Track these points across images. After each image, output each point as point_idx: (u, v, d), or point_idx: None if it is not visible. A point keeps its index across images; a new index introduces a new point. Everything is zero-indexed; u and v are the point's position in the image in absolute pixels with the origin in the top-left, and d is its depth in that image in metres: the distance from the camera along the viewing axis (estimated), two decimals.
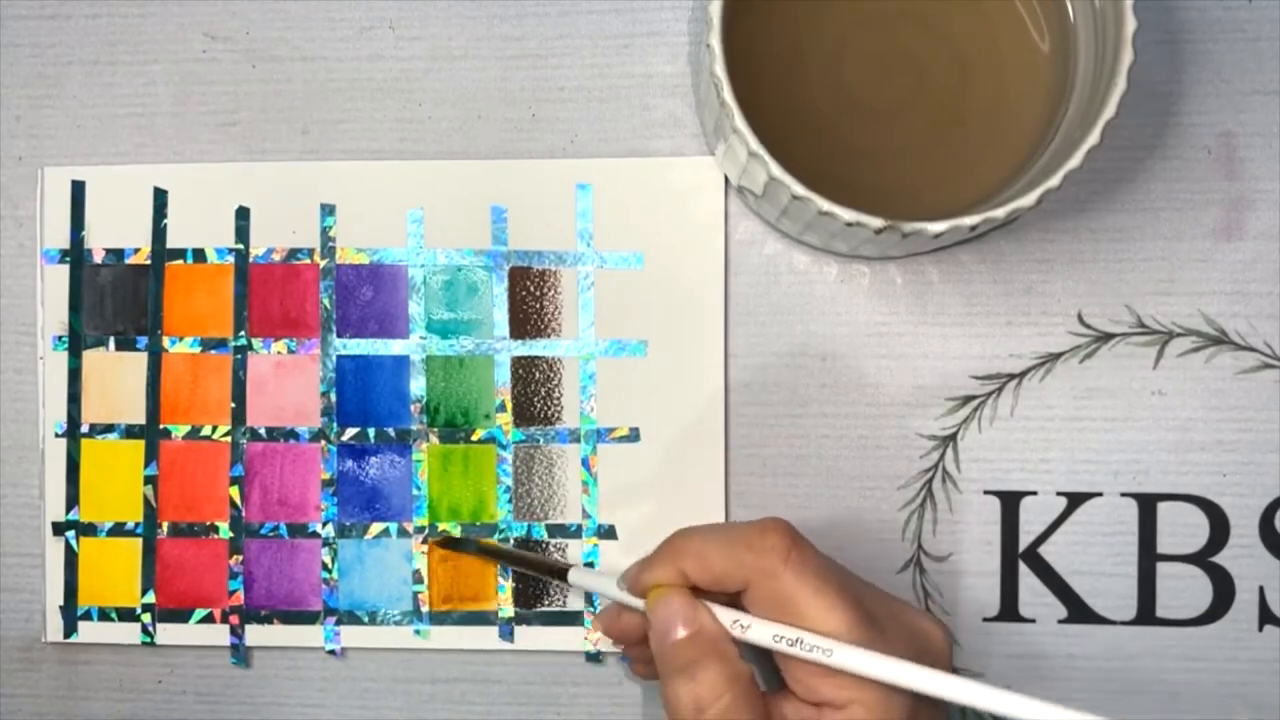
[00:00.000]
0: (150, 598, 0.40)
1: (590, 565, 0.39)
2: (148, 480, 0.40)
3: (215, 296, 0.40)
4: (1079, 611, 0.39)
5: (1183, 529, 0.39)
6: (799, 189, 0.32)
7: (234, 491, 0.40)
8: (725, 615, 0.32)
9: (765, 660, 0.34)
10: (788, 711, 0.32)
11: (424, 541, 0.39)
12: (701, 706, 0.30)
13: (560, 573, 0.37)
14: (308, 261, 0.40)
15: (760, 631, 0.31)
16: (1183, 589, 0.39)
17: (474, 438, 0.40)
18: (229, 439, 0.40)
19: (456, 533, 0.39)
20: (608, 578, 0.35)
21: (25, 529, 0.41)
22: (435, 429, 0.40)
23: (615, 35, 0.39)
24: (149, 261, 0.40)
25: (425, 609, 0.40)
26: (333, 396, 0.40)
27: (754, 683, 0.31)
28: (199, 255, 0.40)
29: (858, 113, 0.35)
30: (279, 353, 0.40)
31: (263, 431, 0.40)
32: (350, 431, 0.40)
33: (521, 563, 0.39)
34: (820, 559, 0.32)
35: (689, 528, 0.33)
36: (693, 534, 0.33)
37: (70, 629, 0.40)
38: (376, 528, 0.40)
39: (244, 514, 0.40)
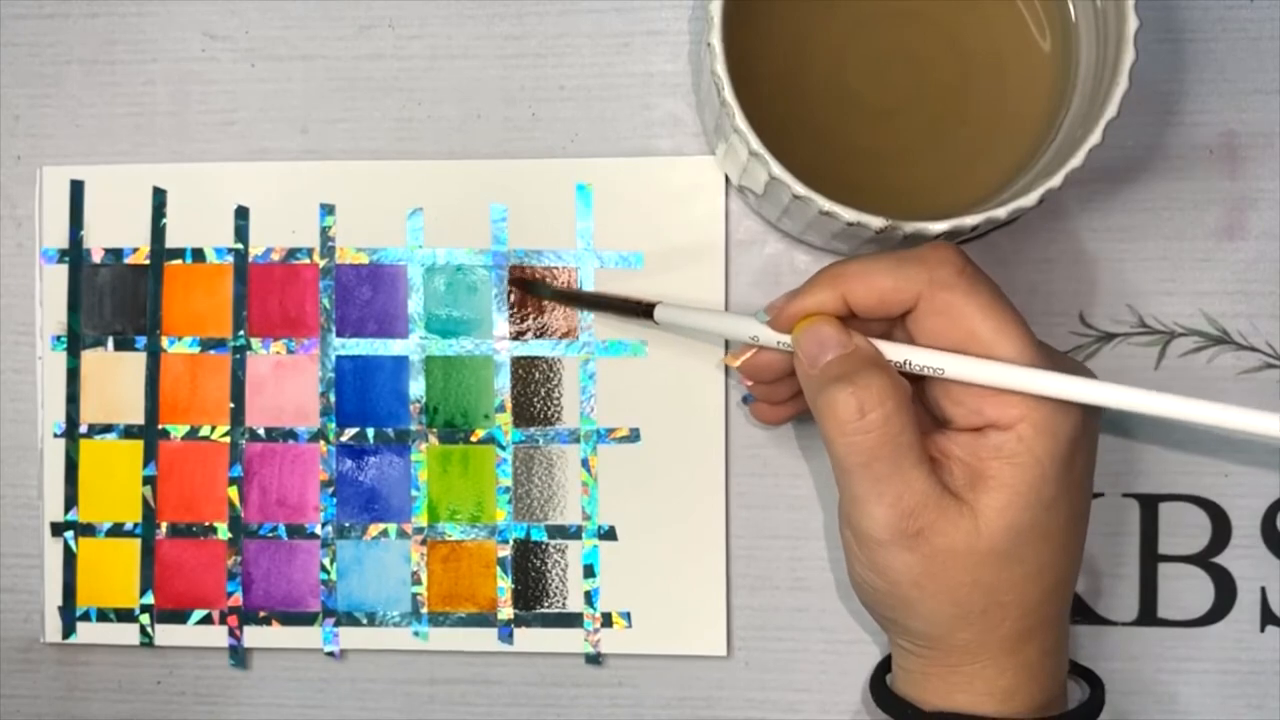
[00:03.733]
0: (149, 598, 0.40)
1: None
2: (146, 481, 0.40)
3: (214, 296, 0.40)
4: (1080, 612, 0.39)
5: (1184, 529, 0.39)
6: (800, 188, 0.32)
7: (233, 492, 0.40)
8: (883, 348, 0.31)
9: (914, 399, 0.32)
10: (942, 443, 0.31)
11: (508, 279, 0.39)
12: (864, 410, 0.29)
13: (645, 310, 0.36)
14: (307, 261, 0.40)
15: (923, 360, 0.30)
16: (1184, 590, 0.39)
17: (473, 438, 0.39)
18: (228, 439, 0.40)
19: (458, 527, 0.39)
20: (705, 311, 0.34)
21: (24, 529, 0.41)
22: (435, 429, 0.40)
23: (615, 34, 0.39)
24: (148, 261, 0.40)
25: (424, 610, 0.39)
26: (332, 397, 0.40)
27: (911, 401, 0.30)
28: (198, 255, 0.40)
29: (859, 112, 0.35)
30: (278, 353, 0.40)
31: (262, 432, 0.40)
32: (349, 432, 0.40)
33: (600, 304, 0.38)
34: (992, 282, 0.31)
35: (842, 259, 0.32)
36: (850, 259, 0.31)
37: (69, 630, 0.40)
38: (375, 529, 0.40)
39: (243, 514, 0.40)
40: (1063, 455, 0.30)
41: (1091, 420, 0.31)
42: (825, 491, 0.39)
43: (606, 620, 0.39)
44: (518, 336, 0.39)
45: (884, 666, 0.36)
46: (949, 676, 0.32)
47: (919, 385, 0.32)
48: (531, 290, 0.39)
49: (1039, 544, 0.30)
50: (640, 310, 0.36)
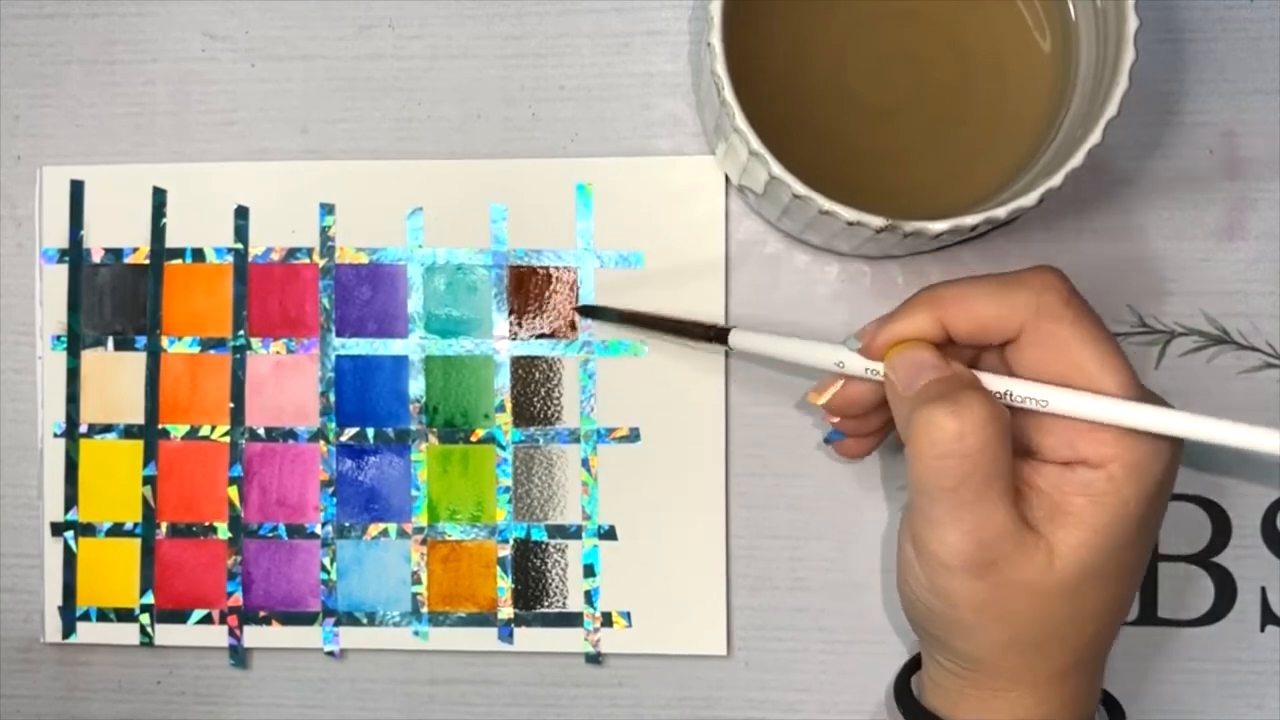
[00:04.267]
0: (149, 598, 0.40)
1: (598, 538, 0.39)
2: (146, 480, 0.40)
3: (214, 296, 0.40)
4: None
5: (1184, 529, 0.39)
6: (800, 188, 0.32)
7: (233, 492, 0.40)
8: (983, 379, 0.30)
9: None
10: (1027, 474, 0.30)
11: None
12: (964, 434, 0.28)
13: (719, 335, 0.34)
14: (307, 261, 0.40)
15: (1027, 392, 0.29)
16: (1184, 589, 0.39)
17: (473, 438, 0.39)
18: (228, 439, 0.40)
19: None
20: (781, 337, 0.32)
21: (24, 529, 0.41)
22: (434, 429, 0.40)
23: (615, 34, 0.39)
24: (148, 261, 0.40)
25: (424, 610, 0.39)
26: (332, 396, 0.40)
27: (1010, 430, 0.29)
28: (198, 255, 0.40)
29: (859, 112, 0.35)
30: (278, 353, 0.40)
31: (261, 432, 0.40)
32: (349, 432, 0.40)
33: (670, 327, 0.37)
34: (1095, 312, 0.30)
35: (938, 282, 0.31)
36: (948, 282, 0.30)
37: (69, 630, 0.40)
38: (375, 528, 0.40)
39: (243, 514, 0.40)
40: (1148, 497, 0.29)
41: (1176, 463, 0.30)
42: (825, 491, 0.39)
43: (606, 620, 0.39)
44: (516, 336, 0.39)
45: (907, 669, 0.36)
46: (987, 700, 0.31)
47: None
48: (597, 316, 0.38)
49: (1107, 582, 0.30)
50: (713, 335, 0.35)
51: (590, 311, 0.39)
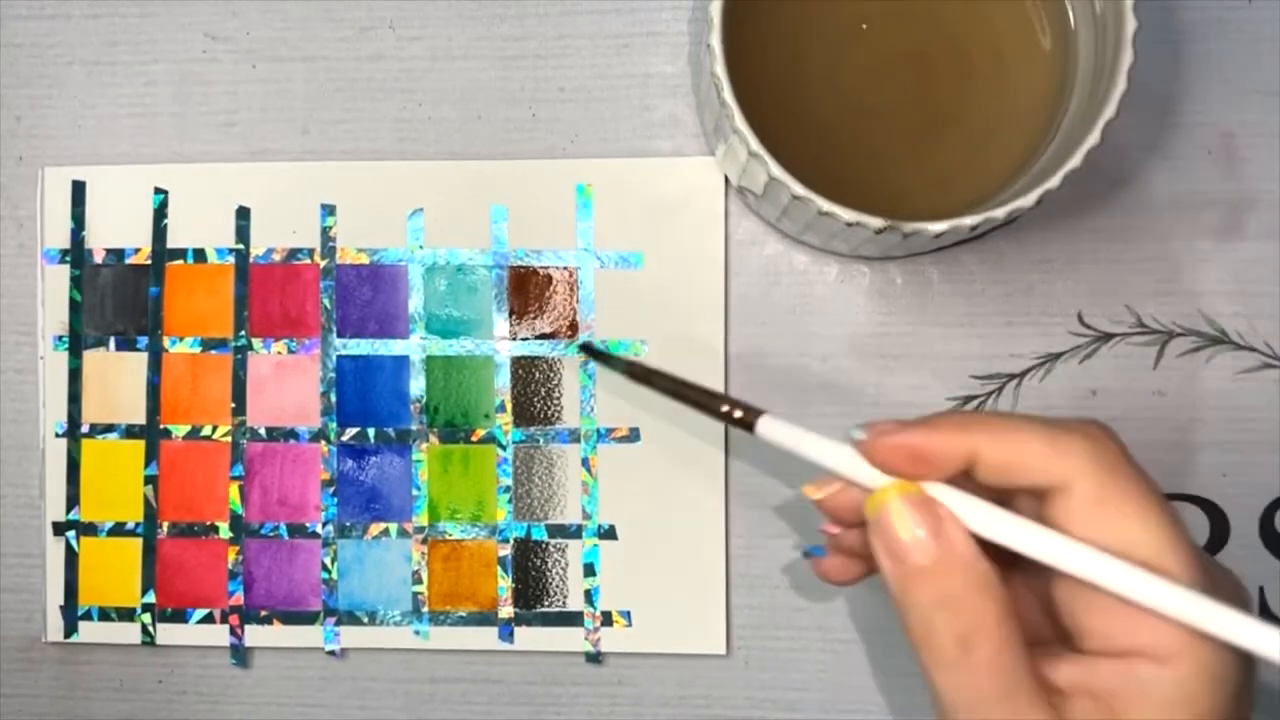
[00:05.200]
0: (150, 598, 0.40)
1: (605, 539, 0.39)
2: (148, 480, 0.40)
3: (215, 296, 0.40)
4: None
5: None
6: (799, 189, 0.32)
7: (234, 491, 0.40)
8: (1021, 532, 0.24)
9: (1023, 596, 0.27)
10: (1068, 672, 0.25)
11: (571, 348, 0.37)
12: (969, 645, 0.24)
13: (742, 420, 0.28)
14: (308, 261, 0.40)
15: (1070, 560, 0.23)
16: None
17: (474, 438, 0.40)
18: (229, 439, 0.40)
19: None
20: (818, 438, 0.27)
21: (25, 529, 0.41)
22: (435, 429, 0.40)
23: (615, 35, 0.39)
24: (149, 261, 0.40)
25: (425, 609, 0.40)
26: (333, 396, 0.40)
27: (1017, 619, 0.25)
28: (199, 255, 0.40)
29: (858, 112, 0.35)
30: (279, 353, 0.40)
31: (263, 431, 0.40)
32: (350, 432, 0.40)
33: (681, 395, 0.31)
34: (1150, 477, 0.25)
35: (976, 411, 0.26)
36: (989, 412, 0.26)
37: (70, 629, 0.40)
38: (376, 528, 0.40)
39: (244, 514, 0.40)
40: (1227, 704, 0.23)
41: (1255, 668, 0.25)
42: None
43: (606, 619, 0.39)
44: (518, 336, 0.39)
45: None
46: None
47: (1038, 580, 0.26)
48: (603, 361, 0.37)
49: None
50: (732, 417, 0.29)
51: (596, 354, 0.37)
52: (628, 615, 0.39)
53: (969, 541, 0.25)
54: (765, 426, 0.28)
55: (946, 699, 0.25)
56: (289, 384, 0.40)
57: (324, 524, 0.40)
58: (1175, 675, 0.23)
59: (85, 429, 0.40)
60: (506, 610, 0.39)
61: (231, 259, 0.40)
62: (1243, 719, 0.25)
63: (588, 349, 0.38)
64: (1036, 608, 0.26)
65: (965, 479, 0.25)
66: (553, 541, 0.39)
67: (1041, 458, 0.24)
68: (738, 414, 0.29)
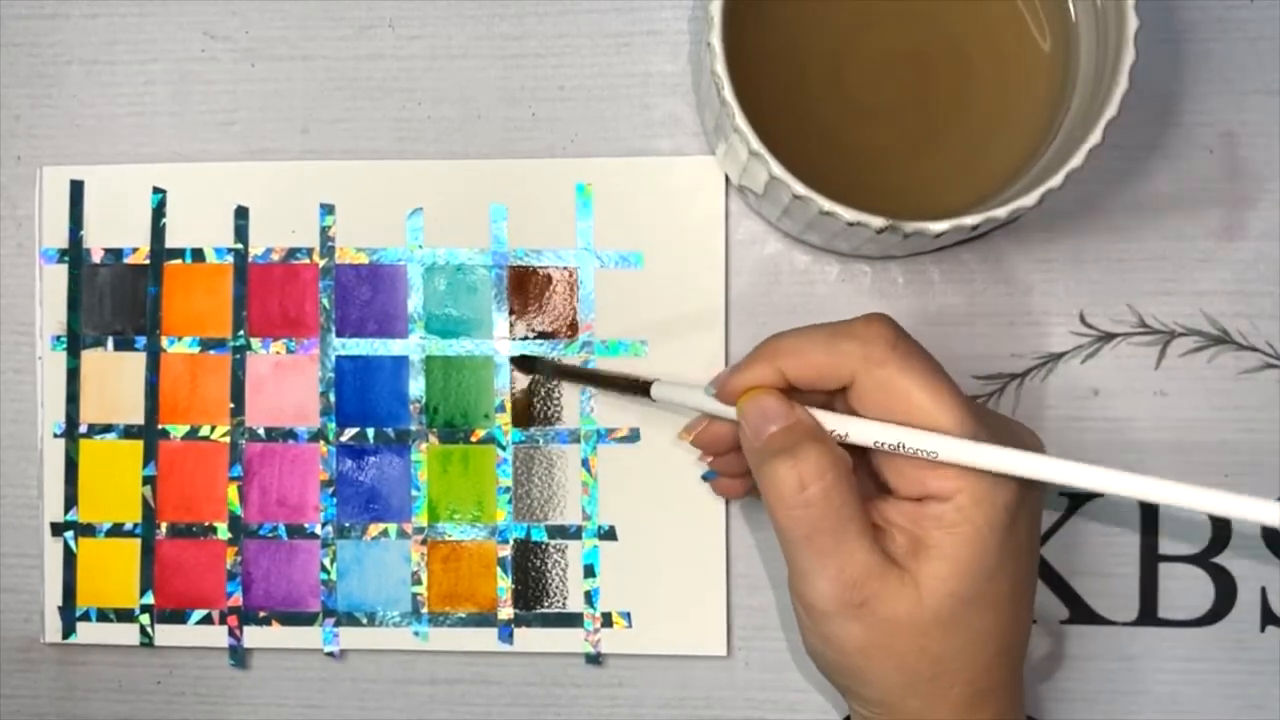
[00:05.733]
0: (149, 599, 0.40)
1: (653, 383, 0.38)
2: (146, 480, 0.40)
3: (214, 296, 0.40)
4: (1081, 612, 0.39)
5: (1185, 529, 0.39)
6: (800, 188, 0.32)
7: (233, 492, 0.40)
8: (823, 419, 0.31)
9: (858, 466, 0.33)
10: (885, 511, 0.31)
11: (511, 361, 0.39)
12: (804, 483, 0.30)
13: (643, 388, 0.36)
14: (307, 261, 0.40)
15: (862, 433, 0.30)
16: (1184, 590, 0.39)
17: (473, 438, 0.39)
18: (228, 439, 0.40)
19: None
20: (694, 388, 0.34)
21: (24, 529, 0.41)
22: (435, 429, 0.40)
23: (615, 34, 0.39)
24: (148, 261, 0.40)
25: (424, 610, 0.39)
26: (332, 397, 0.40)
27: (852, 473, 0.31)
28: (198, 255, 0.40)
29: (859, 112, 0.35)
30: (278, 353, 0.40)
31: (261, 432, 0.40)
32: (349, 432, 0.40)
33: (600, 382, 0.38)
34: (926, 353, 0.31)
35: (782, 331, 0.32)
36: (788, 333, 0.32)
37: (69, 630, 0.40)
38: (375, 528, 0.40)
39: (243, 514, 0.40)
40: (1003, 524, 0.30)
41: (1033, 487, 0.31)
42: None
43: (606, 620, 0.39)
44: (518, 337, 0.39)
45: None
46: None
47: (864, 454, 0.32)
48: (532, 369, 0.39)
49: (982, 611, 0.30)
50: (637, 388, 0.36)
51: (526, 364, 0.39)
52: (628, 616, 0.39)
53: (808, 413, 0.31)
54: (657, 390, 0.36)
55: (787, 533, 0.31)
56: (288, 384, 0.40)
57: (323, 524, 0.40)
58: (956, 504, 0.30)
59: (83, 429, 0.40)
60: (506, 611, 0.39)
61: (230, 259, 0.40)
62: (1026, 533, 0.31)
63: (518, 361, 0.39)
64: (866, 474, 0.32)
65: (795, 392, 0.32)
66: (553, 542, 0.39)
67: (829, 368, 0.31)
68: (641, 384, 0.36)
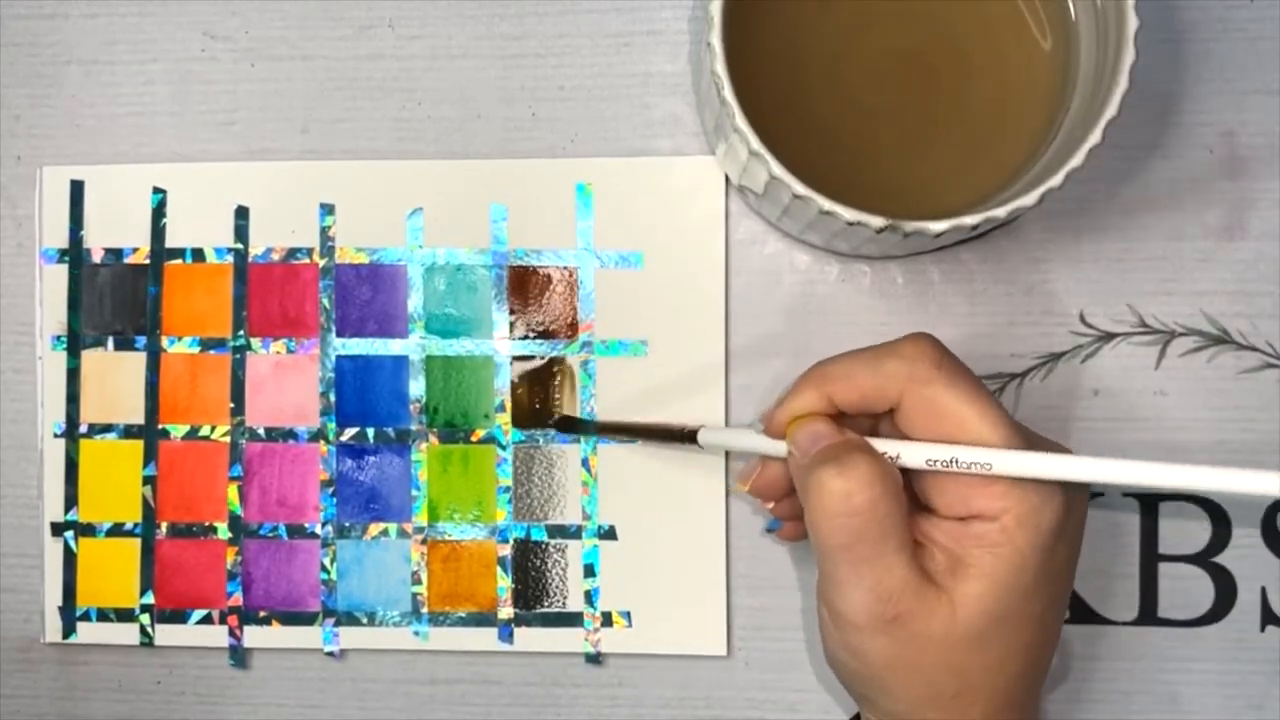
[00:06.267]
0: (149, 598, 0.40)
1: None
2: (146, 480, 0.40)
3: (214, 296, 0.40)
4: (1081, 612, 0.39)
5: (1184, 529, 0.39)
6: (800, 188, 0.32)
7: (233, 492, 0.40)
8: (874, 444, 0.31)
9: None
10: (926, 529, 0.31)
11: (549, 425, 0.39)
12: (850, 494, 0.29)
13: (689, 436, 0.36)
14: (307, 261, 0.40)
15: (913, 454, 0.30)
16: (1184, 589, 0.39)
17: (474, 438, 0.39)
18: (228, 439, 0.40)
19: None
20: (741, 430, 0.34)
21: (24, 529, 0.41)
22: (435, 429, 0.40)
23: (615, 34, 0.39)
24: (148, 261, 0.40)
25: (424, 610, 0.39)
26: (332, 396, 0.40)
27: (901, 489, 0.30)
28: (198, 255, 0.40)
29: (859, 111, 0.35)
30: (278, 353, 0.40)
31: (261, 432, 0.40)
32: (349, 432, 0.40)
33: (644, 434, 0.38)
34: (969, 370, 0.31)
35: (826, 358, 0.32)
36: (833, 359, 0.32)
37: (69, 630, 0.40)
38: (375, 528, 0.40)
39: (243, 514, 0.40)
40: (1044, 546, 0.30)
41: (1076, 510, 0.31)
42: None
43: (606, 620, 0.39)
44: (518, 336, 0.39)
45: None
46: None
47: (905, 473, 0.31)
48: (575, 429, 0.39)
49: (1014, 631, 0.30)
50: (684, 436, 0.36)
51: (571, 425, 0.39)
52: (628, 616, 0.39)
53: (859, 436, 0.31)
54: (704, 436, 0.36)
55: (827, 541, 0.30)
56: (288, 384, 0.40)
57: (323, 524, 0.40)
58: (1000, 525, 0.29)
59: (83, 429, 0.40)
60: (506, 611, 0.39)
61: (230, 258, 0.40)
62: (1065, 556, 0.31)
63: (560, 424, 0.39)
64: (907, 492, 0.32)
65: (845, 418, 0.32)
66: (553, 542, 0.39)
67: (875, 390, 0.31)
68: (686, 433, 0.36)
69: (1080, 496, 0.32)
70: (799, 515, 0.35)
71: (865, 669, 0.31)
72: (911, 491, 0.32)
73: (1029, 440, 0.30)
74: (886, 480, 0.30)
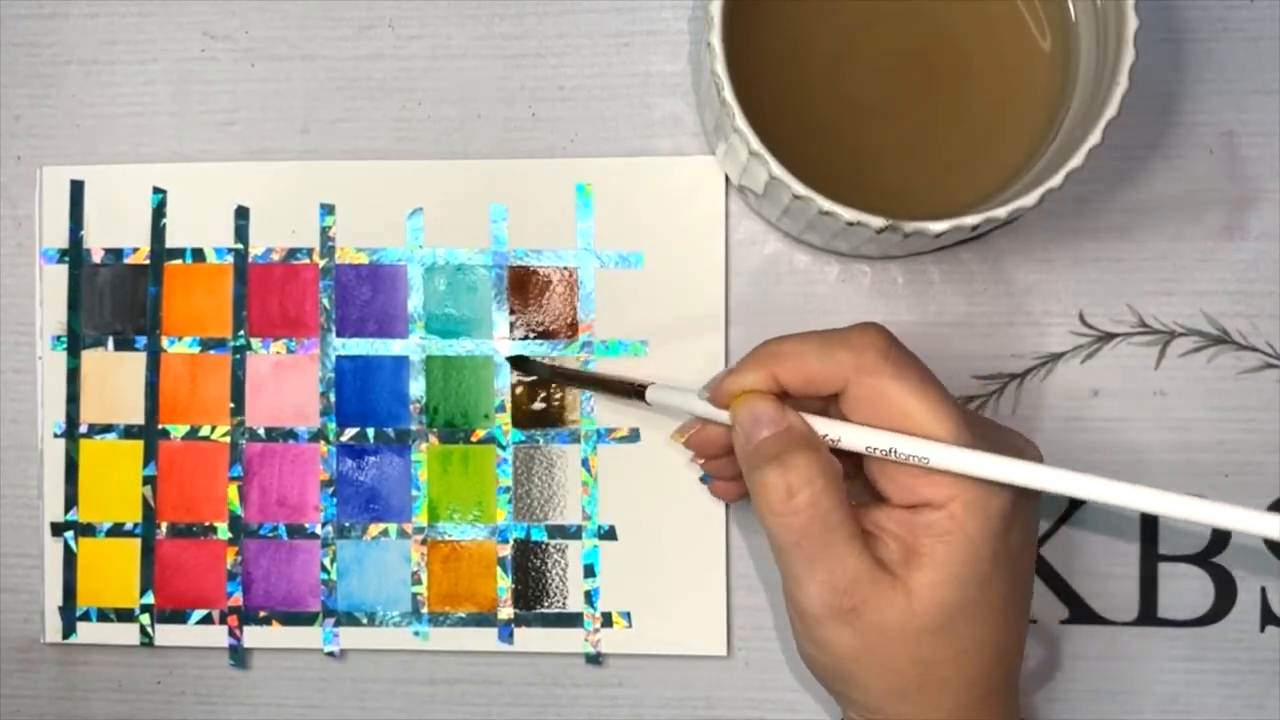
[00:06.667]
0: (149, 598, 0.40)
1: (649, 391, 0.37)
2: (146, 480, 0.40)
3: (214, 296, 0.40)
4: (1081, 612, 0.39)
5: (1185, 529, 0.39)
6: (800, 188, 0.32)
7: (233, 492, 0.40)
8: (816, 424, 0.31)
9: (853, 473, 0.33)
10: (879, 519, 0.31)
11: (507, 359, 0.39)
12: (792, 491, 0.30)
13: (638, 392, 0.36)
14: (307, 261, 0.40)
15: (854, 438, 0.30)
16: (1184, 589, 0.39)
17: (474, 438, 0.39)
18: (228, 439, 0.40)
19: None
20: (688, 392, 0.34)
21: (24, 529, 0.41)
22: (435, 429, 0.40)
23: (615, 34, 0.39)
24: (148, 261, 0.40)
25: (424, 610, 0.39)
26: (332, 397, 0.40)
27: (842, 479, 0.31)
28: (198, 255, 0.40)
29: (859, 112, 0.35)
30: (278, 353, 0.40)
31: (261, 432, 0.40)
32: (349, 432, 0.40)
33: (595, 384, 0.38)
34: (919, 362, 0.31)
35: (778, 336, 0.32)
36: (784, 339, 0.32)
37: (69, 630, 0.40)
38: (375, 528, 0.40)
39: (243, 514, 0.40)
40: (995, 532, 0.30)
41: (1027, 494, 0.31)
42: None
43: (606, 620, 0.39)
44: (517, 337, 0.39)
45: None
46: None
47: (858, 461, 0.32)
48: (527, 369, 0.39)
49: (974, 619, 0.30)
50: (633, 391, 0.36)
51: (522, 364, 0.39)
52: (628, 616, 0.39)
53: (800, 418, 0.31)
54: (652, 394, 0.36)
55: (777, 540, 0.30)
56: (288, 384, 0.40)
57: (323, 524, 0.40)
58: (948, 512, 0.30)
59: (84, 429, 0.40)
60: (506, 611, 0.39)
61: (230, 258, 0.40)
62: (1019, 541, 0.31)
63: (515, 361, 0.39)
64: (860, 482, 0.32)
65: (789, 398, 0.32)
66: (553, 542, 0.39)
67: (820, 374, 0.31)
68: (636, 388, 0.36)
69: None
70: (732, 476, 0.36)
71: (833, 663, 0.31)
72: (865, 480, 0.32)
73: (978, 432, 0.30)
74: (827, 474, 0.30)
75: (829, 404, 0.32)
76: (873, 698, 0.31)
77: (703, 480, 0.38)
